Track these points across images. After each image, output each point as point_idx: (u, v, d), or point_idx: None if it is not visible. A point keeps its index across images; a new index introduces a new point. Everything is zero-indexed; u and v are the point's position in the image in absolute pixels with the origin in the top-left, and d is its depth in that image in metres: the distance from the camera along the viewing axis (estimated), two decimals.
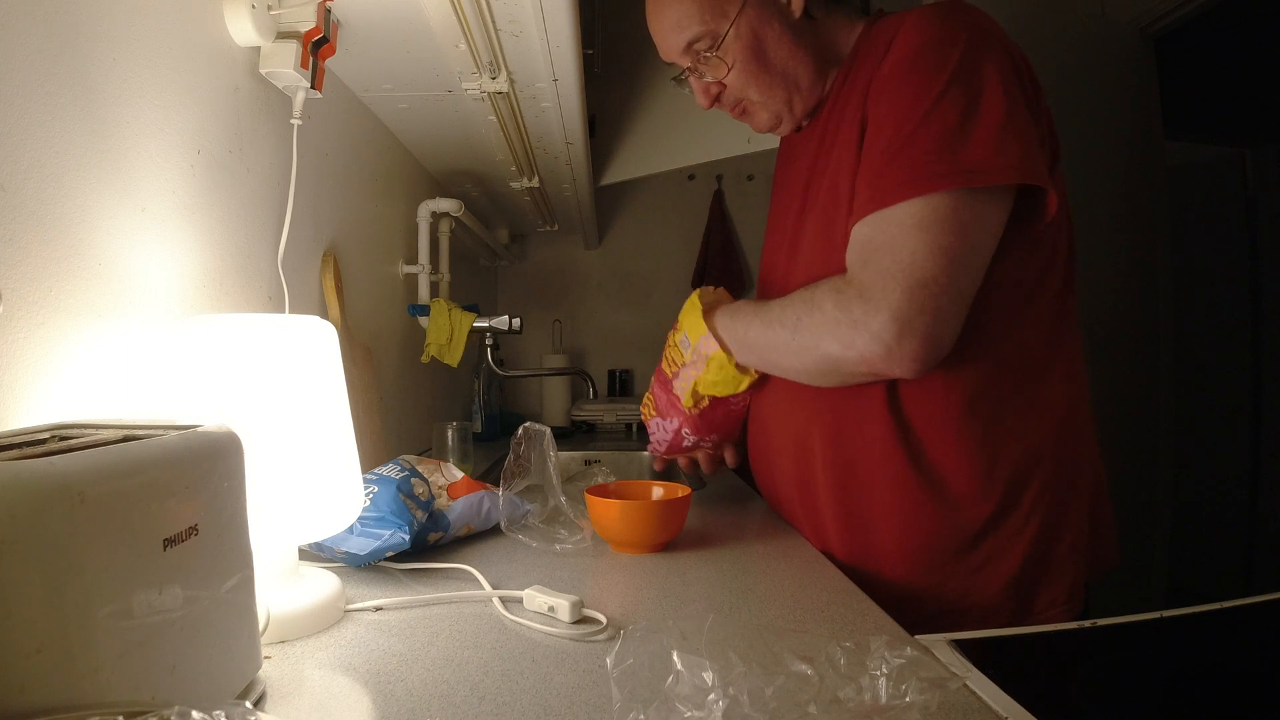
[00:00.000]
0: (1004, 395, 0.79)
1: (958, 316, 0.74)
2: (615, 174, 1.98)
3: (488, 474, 1.53)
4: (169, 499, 0.41)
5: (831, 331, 0.76)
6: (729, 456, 1.05)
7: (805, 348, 0.79)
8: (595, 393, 1.96)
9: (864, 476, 0.84)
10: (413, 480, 0.85)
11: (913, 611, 0.79)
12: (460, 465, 1.30)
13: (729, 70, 0.87)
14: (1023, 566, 0.79)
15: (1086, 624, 0.67)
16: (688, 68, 0.91)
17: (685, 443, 1.01)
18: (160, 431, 0.44)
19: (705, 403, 0.95)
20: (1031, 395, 0.80)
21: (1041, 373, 0.81)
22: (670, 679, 0.41)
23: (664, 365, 0.99)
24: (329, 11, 0.89)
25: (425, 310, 1.56)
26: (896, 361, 0.73)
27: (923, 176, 0.71)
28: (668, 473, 1.77)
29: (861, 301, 0.73)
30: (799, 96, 0.89)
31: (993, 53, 0.74)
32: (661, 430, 1.01)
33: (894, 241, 0.73)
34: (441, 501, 0.89)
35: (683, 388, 0.95)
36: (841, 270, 0.80)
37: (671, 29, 0.88)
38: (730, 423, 0.99)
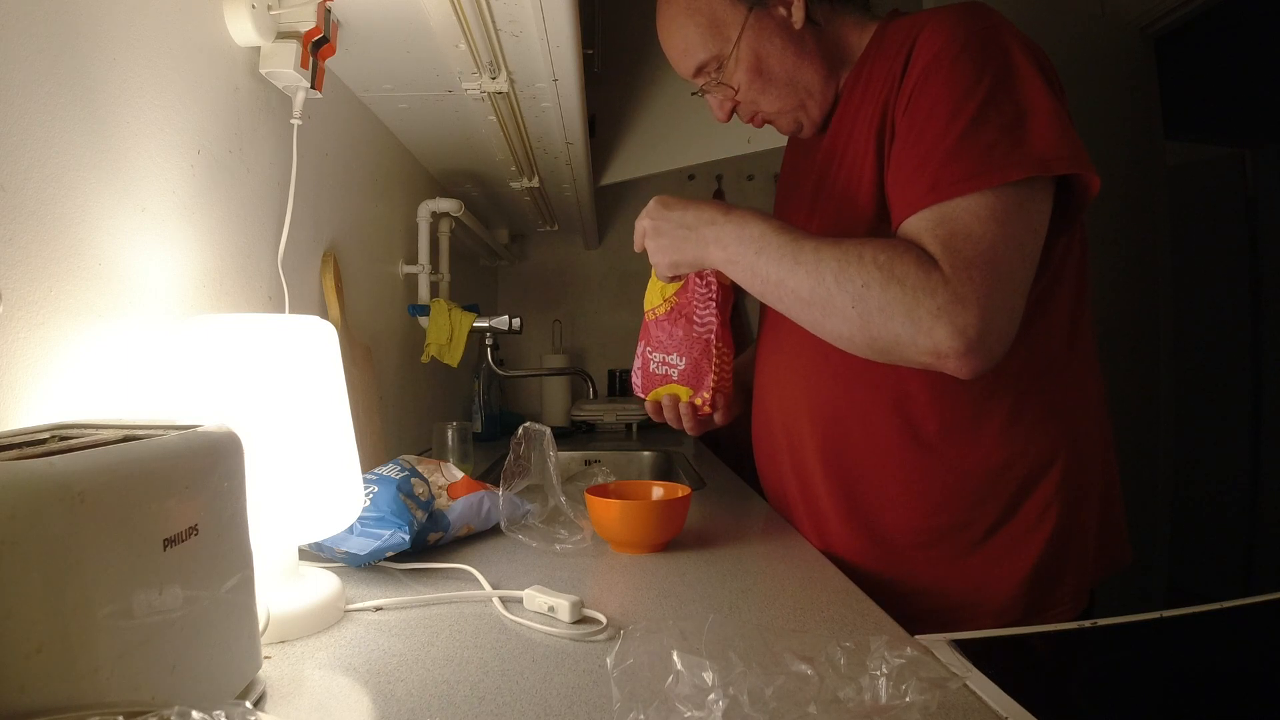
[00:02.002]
0: (1021, 396, 0.78)
1: (1020, 318, 0.71)
2: (615, 174, 1.99)
3: (488, 474, 1.53)
4: (169, 499, 0.41)
5: (908, 312, 0.68)
6: (719, 413, 0.94)
7: (865, 317, 0.70)
8: (595, 393, 1.97)
9: (870, 477, 0.84)
10: (413, 480, 0.85)
11: (920, 608, 0.79)
12: (460, 465, 1.30)
13: (738, 89, 0.89)
14: (1037, 565, 0.79)
15: (1086, 624, 0.67)
16: (701, 86, 0.92)
17: (651, 365, 0.95)
18: (160, 431, 0.44)
19: (663, 307, 0.91)
20: (1048, 396, 0.79)
21: (1058, 374, 0.80)
22: (670, 679, 0.41)
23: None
24: (329, 11, 0.89)
25: (425, 310, 1.56)
26: (969, 362, 0.68)
27: (995, 167, 0.69)
28: (667, 471, 1.78)
29: (947, 289, 0.67)
30: (812, 101, 0.89)
31: (1026, 50, 0.74)
32: (636, 362, 0.97)
33: (971, 229, 0.69)
34: (441, 501, 0.89)
35: (648, 296, 0.94)
36: None
37: (679, 56, 0.91)
38: (695, 347, 0.92)
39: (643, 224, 0.86)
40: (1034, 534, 0.79)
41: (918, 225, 0.72)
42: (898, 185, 0.75)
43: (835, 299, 0.71)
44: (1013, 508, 0.79)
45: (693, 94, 0.96)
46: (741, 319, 2.46)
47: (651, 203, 0.86)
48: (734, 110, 0.93)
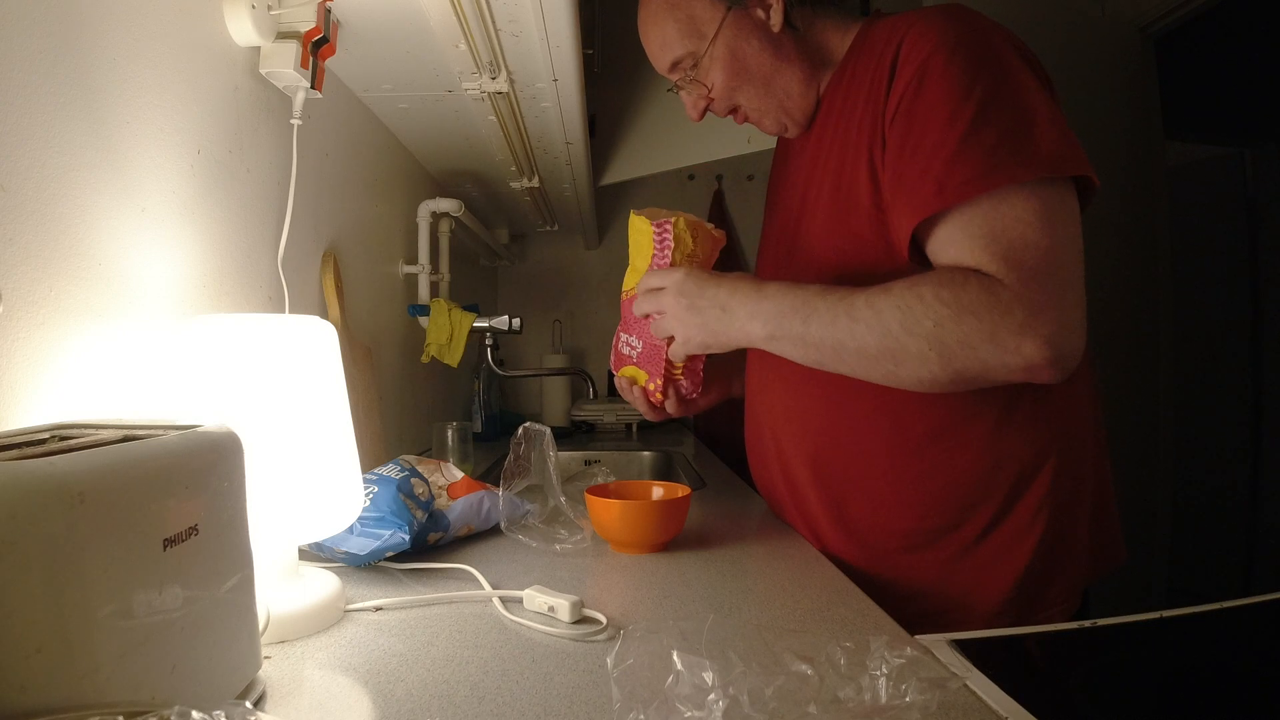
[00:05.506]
0: (1010, 399, 0.78)
1: (1086, 311, 0.71)
2: (615, 174, 1.99)
3: (488, 474, 1.53)
4: (169, 499, 0.41)
5: (992, 338, 0.67)
6: (671, 403, 0.94)
7: (947, 355, 0.69)
8: (595, 393, 1.97)
9: (860, 482, 0.84)
10: (413, 480, 0.85)
11: (913, 611, 0.79)
12: (460, 465, 1.30)
13: (712, 87, 0.90)
14: (1029, 567, 0.79)
15: (1086, 624, 0.67)
16: (676, 82, 0.93)
17: (620, 344, 0.96)
18: (160, 431, 0.44)
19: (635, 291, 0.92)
20: (1037, 398, 0.79)
21: None
22: (670, 679, 0.41)
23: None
24: (329, 11, 0.89)
25: (425, 310, 1.56)
26: (1059, 367, 0.68)
27: (1001, 168, 0.69)
28: (667, 471, 1.78)
29: (1023, 305, 0.67)
30: (791, 104, 0.89)
31: (1017, 51, 0.74)
32: (614, 339, 0.98)
33: (1028, 238, 0.68)
34: (441, 501, 0.89)
35: (627, 276, 0.94)
36: (858, 269, 0.79)
37: (656, 50, 0.92)
38: (645, 331, 0.91)
39: (670, 302, 0.83)
40: (1026, 536, 0.79)
41: (965, 244, 0.71)
42: (900, 191, 0.75)
43: (909, 346, 0.70)
44: (1004, 510, 0.79)
45: (668, 90, 0.96)
46: None
47: (680, 276, 0.83)
48: (707, 109, 0.93)
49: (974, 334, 0.68)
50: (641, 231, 0.91)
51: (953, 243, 0.72)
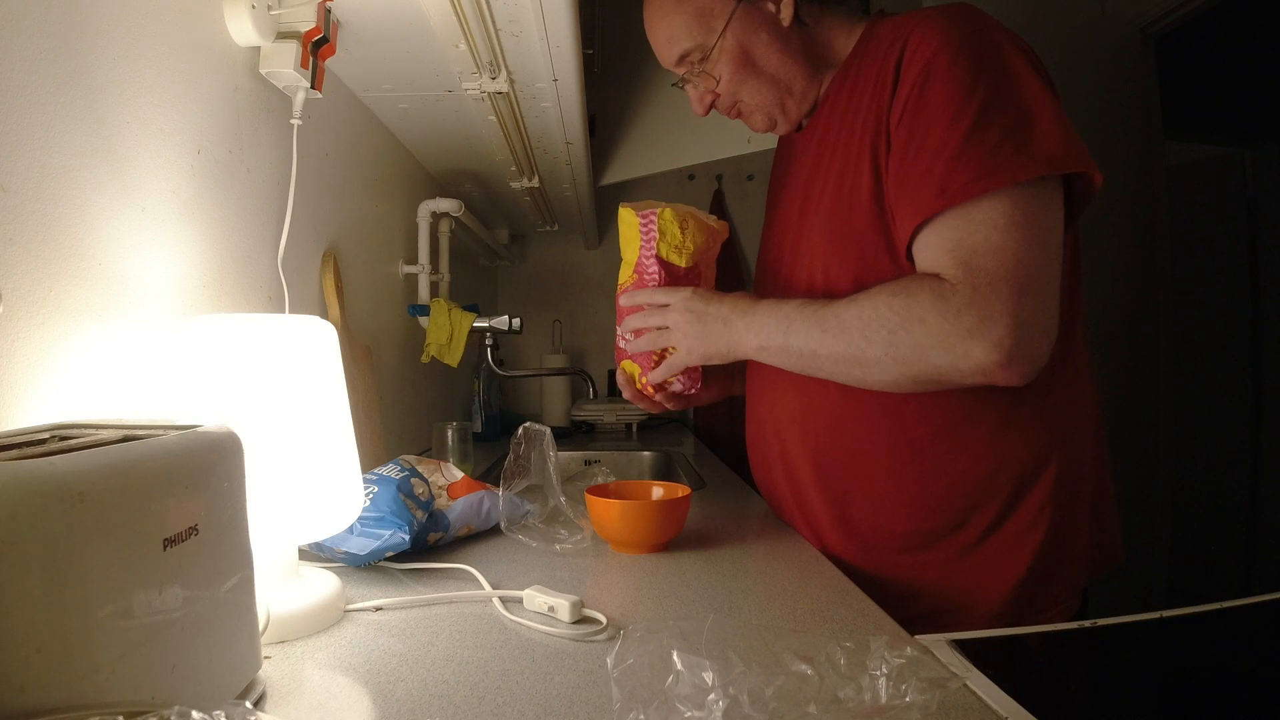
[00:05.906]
0: (1012, 400, 0.78)
1: (1058, 311, 0.72)
2: (615, 174, 1.99)
3: (488, 474, 1.53)
4: (169, 499, 0.41)
5: (940, 343, 0.70)
6: (660, 395, 0.96)
7: (902, 360, 0.73)
8: (595, 393, 1.97)
9: (862, 482, 0.84)
10: (413, 480, 0.85)
11: (914, 612, 0.79)
12: (460, 465, 1.30)
13: (719, 80, 0.89)
14: (1030, 569, 0.79)
15: (1086, 624, 0.67)
16: (682, 76, 0.92)
17: (618, 337, 0.97)
18: (160, 431, 0.44)
19: (630, 282, 0.92)
20: (1039, 401, 0.79)
21: (1050, 378, 0.80)
22: (670, 679, 0.41)
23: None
24: (329, 11, 0.89)
25: (425, 310, 1.56)
26: (1015, 369, 0.70)
27: (1003, 168, 0.69)
28: (667, 471, 1.78)
29: (973, 309, 0.69)
30: (791, 100, 0.89)
31: (1019, 50, 0.74)
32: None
33: (991, 241, 0.69)
34: (441, 501, 0.89)
35: (621, 270, 0.95)
36: (861, 269, 0.79)
37: (664, 43, 0.91)
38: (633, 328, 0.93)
39: (678, 317, 0.87)
40: (1028, 538, 0.79)
41: (935, 249, 0.73)
42: (903, 193, 0.75)
43: (868, 354, 0.74)
44: (1006, 512, 0.79)
45: (673, 84, 0.96)
46: None
47: (688, 293, 0.88)
48: (713, 104, 0.93)
49: (923, 340, 0.71)
50: (629, 224, 0.92)
51: (927, 246, 0.74)
